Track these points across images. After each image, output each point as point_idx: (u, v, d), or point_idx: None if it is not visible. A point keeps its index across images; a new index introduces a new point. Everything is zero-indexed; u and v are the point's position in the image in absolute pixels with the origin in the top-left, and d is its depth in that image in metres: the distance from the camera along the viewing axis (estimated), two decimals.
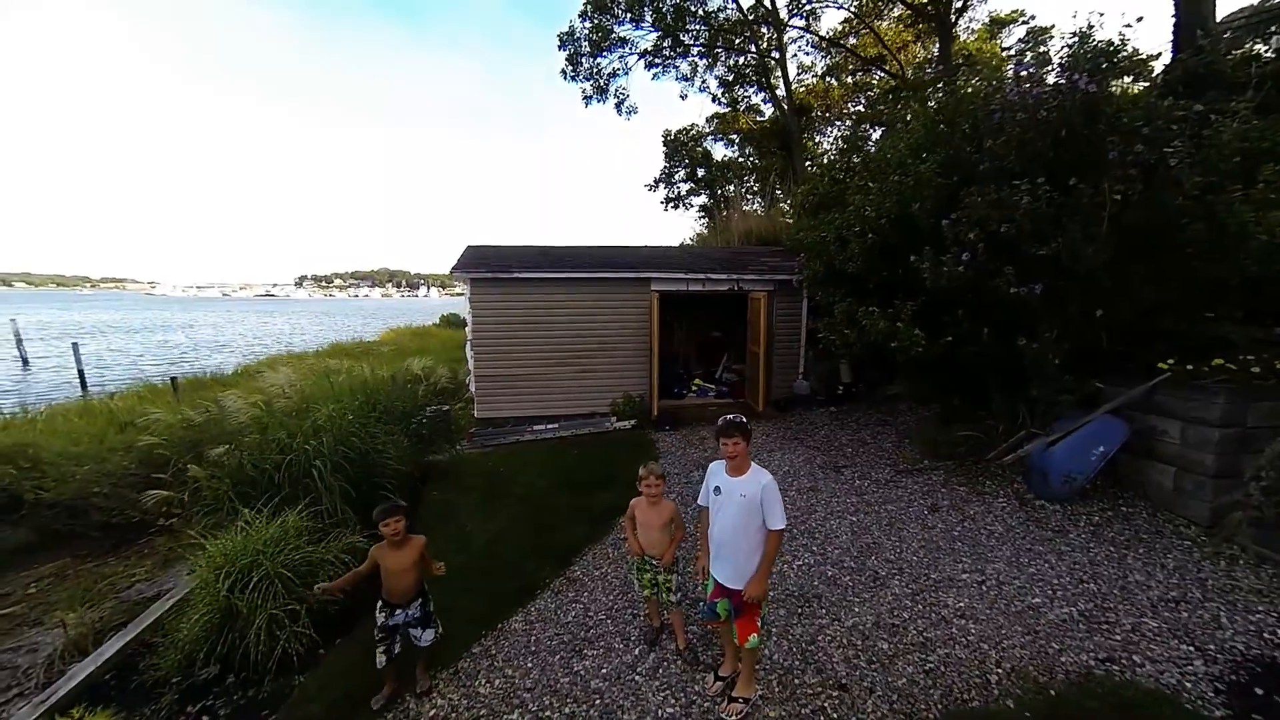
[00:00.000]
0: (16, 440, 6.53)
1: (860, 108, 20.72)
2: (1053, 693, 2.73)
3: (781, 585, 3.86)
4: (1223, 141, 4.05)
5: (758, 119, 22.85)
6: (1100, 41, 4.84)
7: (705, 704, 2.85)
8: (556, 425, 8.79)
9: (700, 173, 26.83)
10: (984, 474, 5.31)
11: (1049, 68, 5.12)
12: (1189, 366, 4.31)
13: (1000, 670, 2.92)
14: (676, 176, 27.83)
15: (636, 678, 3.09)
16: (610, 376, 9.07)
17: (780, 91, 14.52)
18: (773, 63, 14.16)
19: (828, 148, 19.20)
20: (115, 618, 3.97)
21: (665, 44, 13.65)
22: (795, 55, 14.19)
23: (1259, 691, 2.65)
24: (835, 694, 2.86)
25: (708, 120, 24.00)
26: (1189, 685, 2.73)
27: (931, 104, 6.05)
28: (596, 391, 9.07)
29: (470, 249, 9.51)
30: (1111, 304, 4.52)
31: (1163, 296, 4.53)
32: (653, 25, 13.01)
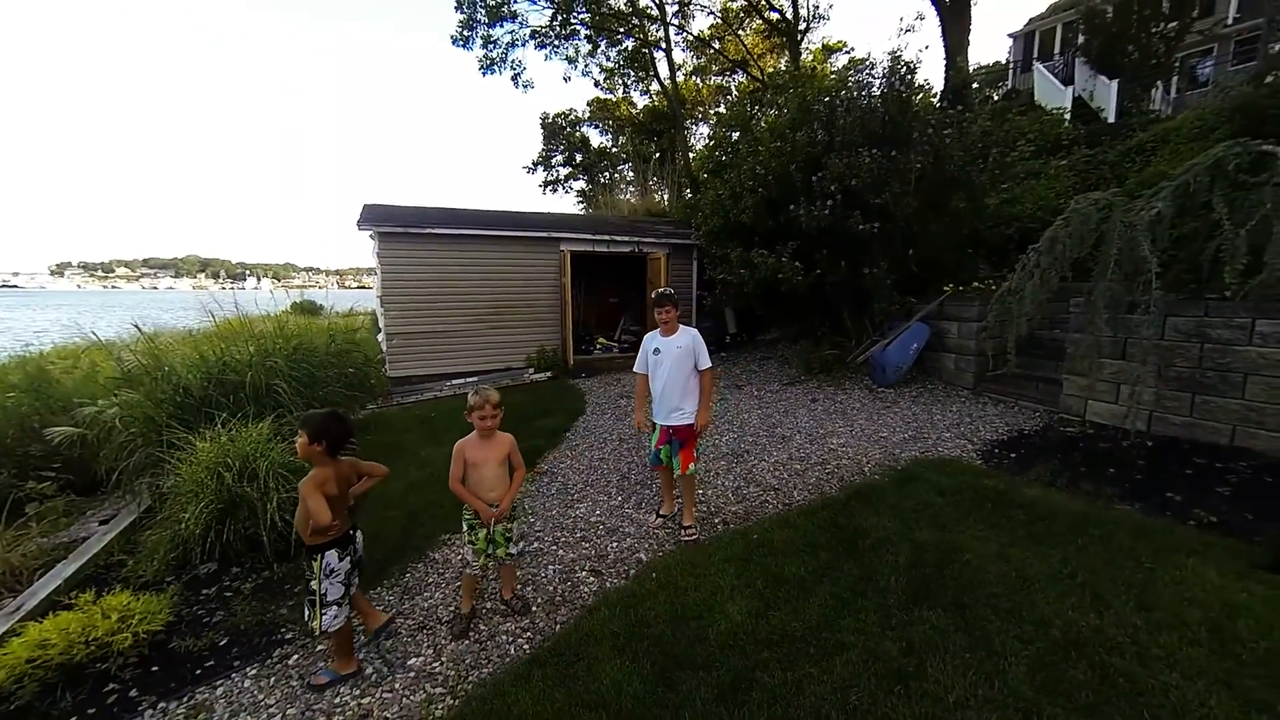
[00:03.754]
0: None
1: (722, 109, 23.28)
2: (898, 467, 4.23)
3: (717, 450, 4.96)
4: (971, 132, 6.11)
5: (633, 110, 24.26)
6: (907, 60, 6.74)
7: (655, 530, 3.65)
8: (476, 379, 9.00)
9: (579, 158, 27.47)
10: (844, 378, 7.04)
11: (878, 76, 6.93)
12: (960, 288, 6.41)
13: (869, 466, 4.36)
14: (555, 160, 28.10)
15: (613, 520, 3.91)
16: (524, 331, 9.50)
17: (665, 76, 15.91)
18: (660, 53, 15.46)
19: (700, 140, 21.21)
20: (50, 554, 3.62)
21: (556, 22, 14.13)
22: (672, 49, 15.66)
23: (996, 451, 4.53)
24: (772, 493, 4.01)
25: (588, 104, 24.67)
26: (963, 454, 4.50)
27: (797, 94, 7.64)
28: (511, 347, 9.44)
29: (370, 206, 9.13)
30: (918, 244, 6.43)
31: (945, 240, 6.57)
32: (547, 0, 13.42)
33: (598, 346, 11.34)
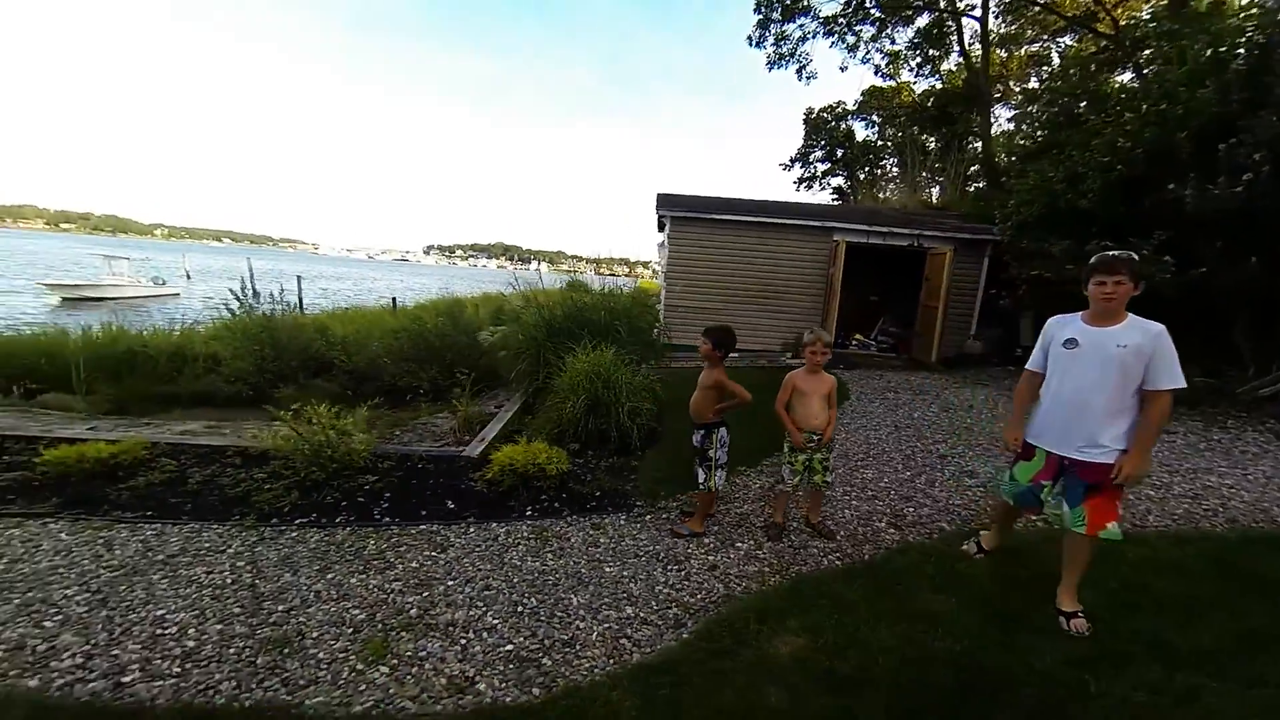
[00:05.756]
0: (316, 325, 8.56)
1: (1033, 84, 19.05)
2: None
3: None
4: None
5: (914, 96, 21.88)
6: None
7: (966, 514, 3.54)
8: (736, 355, 9.70)
9: (839, 153, 26.21)
10: (1223, 414, 5.29)
11: None
12: None
13: None
14: (813, 156, 27.42)
15: (904, 489, 3.87)
16: (784, 317, 9.78)
17: (972, 48, 14.02)
18: (970, 20, 13.72)
19: (999, 124, 17.98)
20: (476, 417, 5.49)
21: (848, 9, 13.84)
22: (989, 12, 13.45)
23: None
24: None
25: (861, 94, 23.32)
26: None
27: (1186, 41, 5.90)
28: (770, 330, 9.83)
29: (663, 194, 10.61)
30: None
31: None
32: None
33: (853, 342, 10.91)
